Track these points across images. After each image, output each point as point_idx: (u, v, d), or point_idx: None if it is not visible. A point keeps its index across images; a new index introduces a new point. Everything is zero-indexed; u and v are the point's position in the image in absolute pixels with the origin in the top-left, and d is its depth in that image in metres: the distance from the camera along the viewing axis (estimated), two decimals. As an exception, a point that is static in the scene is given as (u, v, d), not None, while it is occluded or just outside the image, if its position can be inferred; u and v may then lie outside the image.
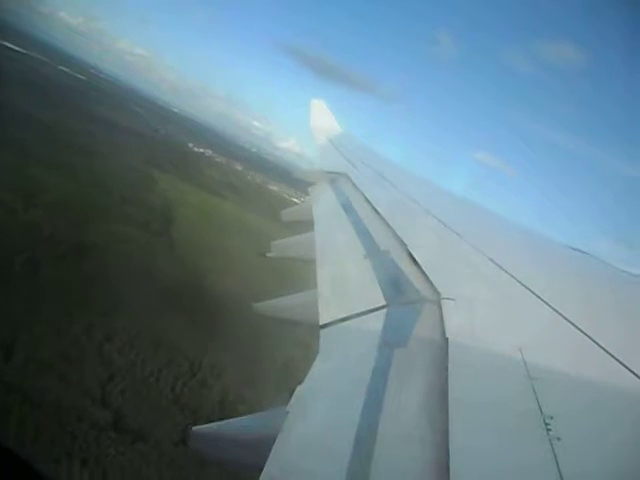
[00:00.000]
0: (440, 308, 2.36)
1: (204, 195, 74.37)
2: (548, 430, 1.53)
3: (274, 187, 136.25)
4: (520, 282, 2.78)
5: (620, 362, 1.98)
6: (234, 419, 2.27)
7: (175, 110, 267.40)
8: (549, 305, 2.47)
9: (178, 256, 40.78)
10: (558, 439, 1.49)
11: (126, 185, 53.42)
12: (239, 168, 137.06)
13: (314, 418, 1.76)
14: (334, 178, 6.18)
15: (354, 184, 5.62)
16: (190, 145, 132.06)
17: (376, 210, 4.39)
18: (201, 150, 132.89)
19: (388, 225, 3.91)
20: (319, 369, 2.07)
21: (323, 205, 5.35)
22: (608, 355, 2.02)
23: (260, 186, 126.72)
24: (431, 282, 2.71)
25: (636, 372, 1.92)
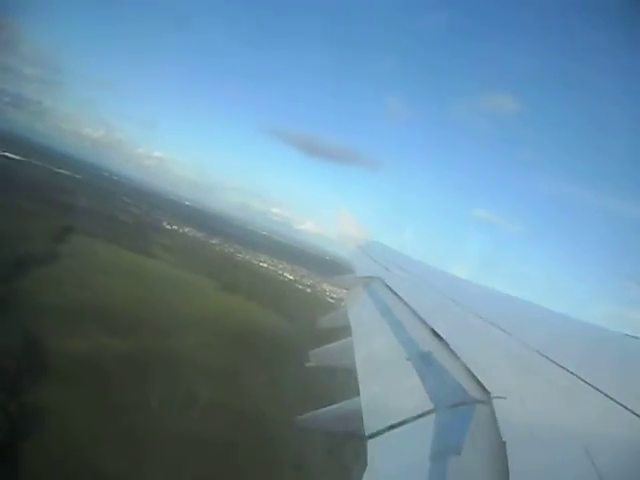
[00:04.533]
0: (492, 408, 2.19)
1: (124, 253, 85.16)
2: None
3: (245, 255, 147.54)
4: (575, 374, 2.60)
5: None
6: None
7: (187, 203, 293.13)
8: (610, 397, 2.27)
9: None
10: None
11: (24, 238, 65.94)
12: (213, 242, 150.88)
13: None
14: (368, 282, 6.26)
15: (389, 287, 5.65)
16: (164, 223, 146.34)
17: (414, 311, 4.34)
18: (174, 227, 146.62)
19: (427, 325, 3.80)
20: None
21: (359, 310, 5.35)
22: None
23: (225, 254, 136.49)
24: (479, 381, 2.53)
25: None
